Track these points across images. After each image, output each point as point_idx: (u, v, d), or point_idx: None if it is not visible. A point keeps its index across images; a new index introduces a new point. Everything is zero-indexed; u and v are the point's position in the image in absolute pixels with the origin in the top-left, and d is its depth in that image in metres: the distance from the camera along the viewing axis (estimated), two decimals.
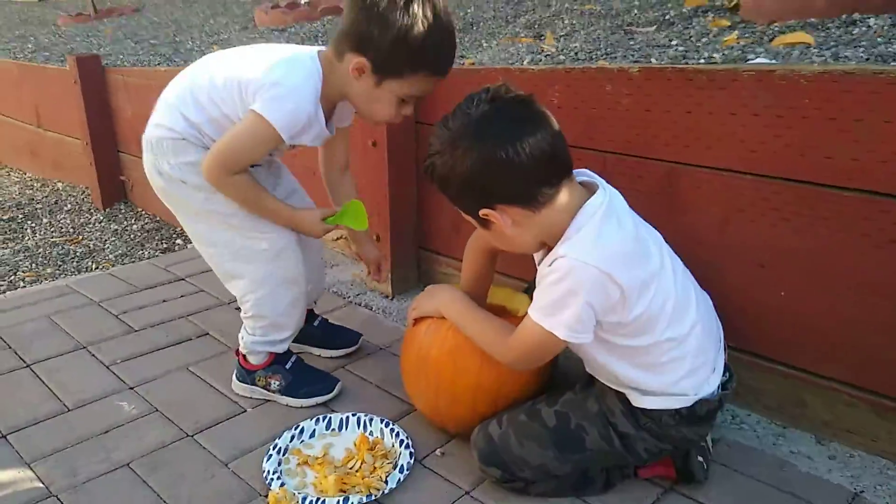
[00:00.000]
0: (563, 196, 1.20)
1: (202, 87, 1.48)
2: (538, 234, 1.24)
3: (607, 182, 1.27)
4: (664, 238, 1.32)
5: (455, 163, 1.18)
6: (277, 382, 1.65)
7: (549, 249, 1.23)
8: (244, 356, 1.66)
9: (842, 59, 1.52)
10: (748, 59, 1.65)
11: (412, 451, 1.45)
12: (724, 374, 1.35)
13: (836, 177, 1.32)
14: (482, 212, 1.21)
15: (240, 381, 1.68)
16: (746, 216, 1.46)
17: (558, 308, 1.17)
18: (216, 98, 1.46)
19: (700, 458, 1.35)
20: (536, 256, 1.34)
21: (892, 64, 1.42)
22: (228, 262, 1.60)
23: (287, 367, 1.66)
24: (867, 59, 1.48)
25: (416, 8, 1.31)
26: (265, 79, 1.40)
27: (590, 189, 1.24)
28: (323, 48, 1.49)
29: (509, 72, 1.80)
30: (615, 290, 1.16)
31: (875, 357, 1.38)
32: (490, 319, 1.38)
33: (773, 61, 1.55)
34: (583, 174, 1.28)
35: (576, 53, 2.09)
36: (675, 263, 1.30)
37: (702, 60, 1.72)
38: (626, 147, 1.61)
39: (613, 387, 1.31)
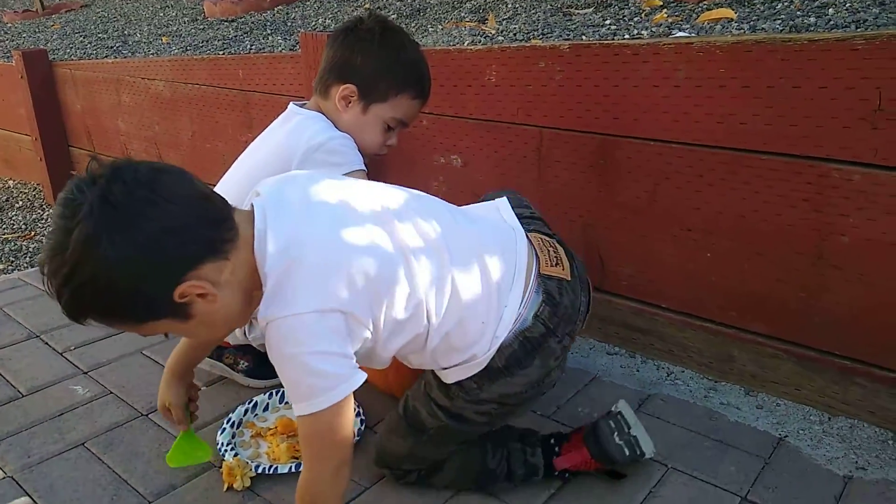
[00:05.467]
0: (240, 220, 1.02)
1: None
2: (241, 283, 1.01)
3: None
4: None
5: (105, 258, 0.89)
6: (246, 364, 1.67)
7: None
8: None
9: (759, 30, 1.60)
10: (671, 34, 1.73)
11: (363, 418, 1.50)
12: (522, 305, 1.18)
13: (753, 141, 1.41)
14: (179, 291, 0.95)
15: None
16: (673, 183, 1.54)
17: (310, 376, 1.00)
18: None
19: (616, 436, 1.27)
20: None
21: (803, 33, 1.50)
22: None
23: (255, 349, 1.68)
24: (782, 31, 1.57)
25: (392, 36, 1.49)
26: (312, 150, 1.45)
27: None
28: (298, 103, 1.58)
29: (448, 53, 1.85)
30: (338, 318, 1.00)
31: (796, 310, 1.47)
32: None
33: (693, 34, 1.63)
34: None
35: (514, 34, 2.16)
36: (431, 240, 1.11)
37: (626, 37, 1.79)
38: (560, 122, 1.67)
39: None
